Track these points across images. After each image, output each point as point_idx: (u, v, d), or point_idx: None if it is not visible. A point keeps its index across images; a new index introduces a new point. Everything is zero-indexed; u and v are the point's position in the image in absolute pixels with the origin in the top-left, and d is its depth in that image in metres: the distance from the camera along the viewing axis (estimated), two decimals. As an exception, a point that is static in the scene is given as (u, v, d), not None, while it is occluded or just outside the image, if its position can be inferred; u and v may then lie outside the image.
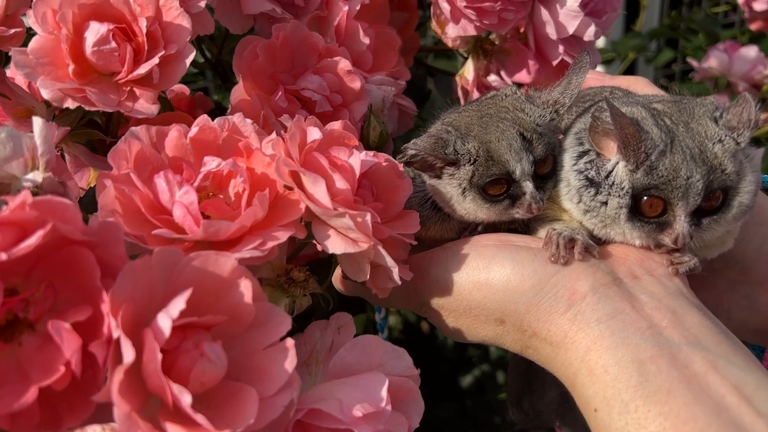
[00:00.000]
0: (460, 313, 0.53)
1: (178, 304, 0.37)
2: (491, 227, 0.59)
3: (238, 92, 0.60)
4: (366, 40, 0.65)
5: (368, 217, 0.45)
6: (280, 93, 0.60)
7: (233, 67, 0.60)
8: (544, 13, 0.67)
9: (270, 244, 0.43)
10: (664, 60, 1.85)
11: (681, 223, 0.50)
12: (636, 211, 0.51)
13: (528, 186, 0.53)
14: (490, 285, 0.51)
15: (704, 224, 0.51)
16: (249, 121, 0.49)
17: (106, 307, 0.37)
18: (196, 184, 0.45)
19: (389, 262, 0.47)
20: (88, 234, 0.38)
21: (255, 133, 0.49)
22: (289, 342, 0.40)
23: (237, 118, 0.49)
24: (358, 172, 0.47)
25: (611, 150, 0.52)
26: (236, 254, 0.42)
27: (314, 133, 0.49)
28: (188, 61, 0.50)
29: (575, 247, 0.51)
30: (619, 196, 0.51)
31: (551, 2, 0.67)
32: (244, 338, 0.41)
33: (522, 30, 0.74)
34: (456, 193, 0.55)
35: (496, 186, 0.54)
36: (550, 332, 0.49)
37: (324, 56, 0.62)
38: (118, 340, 0.36)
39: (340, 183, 0.46)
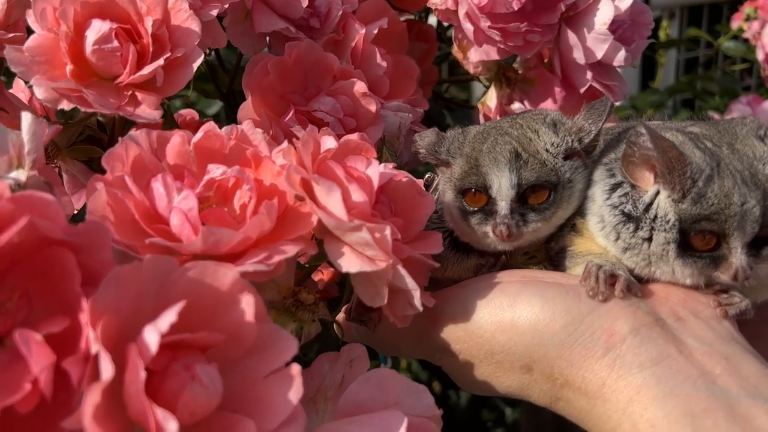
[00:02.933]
0: (480, 359, 0.48)
1: (168, 317, 0.32)
2: (512, 266, 0.54)
3: (246, 110, 0.56)
4: (383, 64, 0.62)
5: (388, 231, 0.41)
6: (290, 113, 0.57)
7: (242, 84, 0.57)
8: (572, 37, 0.63)
9: (276, 258, 0.39)
10: (680, 119, 1.83)
11: (738, 256, 0.45)
12: (685, 246, 0.46)
13: (502, 207, 0.49)
14: (516, 325, 0.46)
15: (763, 255, 0.46)
16: (259, 129, 0.45)
17: (85, 318, 0.32)
18: (197, 191, 0.40)
19: (410, 283, 0.42)
20: (71, 234, 0.34)
21: (265, 143, 0.45)
22: (295, 369, 0.35)
23: (246, 126, 0.45)
24: (376, 184, 0.43)
25: (647, 181, 0.48)
26: (239, 267, 0.37)
27: (329, 142, 0.45)
28: (195, 65, 0.46)
29: (617, 283, 0.46)
30: (665, 230, 0.46)
31: (579, 25, 0.64)
32: (243, 363, 0.36)
33: (546, 60, 0.71)
34: (450, 197, 0.52)
35: (475, 197, 0.50)
36: (586, 380, 0.43)
37: (339, 78, 0.59)
38: (96, 356, 0.31)
39: (357, 195, 0.42)
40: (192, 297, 0.34)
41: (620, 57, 0.64)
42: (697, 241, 0.46)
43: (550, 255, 0.54)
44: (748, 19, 1.54)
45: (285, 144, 0.44)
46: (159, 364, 0.33)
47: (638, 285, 0.47)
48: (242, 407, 0.35)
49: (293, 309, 0.43)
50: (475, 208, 0.50)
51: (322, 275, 0.63)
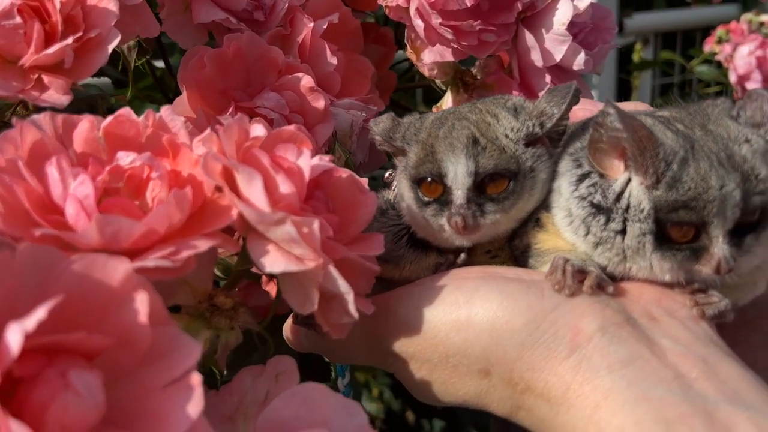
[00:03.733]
0: (434, 363, 0.43)
1: (37, 315, 0.27)
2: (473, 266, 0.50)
3: (181, 106, 0.52)
4: (333, 60, 0.58)
5: (316, 225, 0.36)
6: (230, 110, 0.53)
7: (177, 78, 0.53)
8: (529, 38, 0.60)
9: (185, 254, 0.34)
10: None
11: (720, 246, 0.41)
12: (663, 238, 0.42)
13: (457, 196, 0.45)
14: (472, 324, 0.41)
15: (746, 244, 0.42)
16: (180, 117, 0.41)
17: (-63, 315, 0.27)
18: (100, 179, 0.36)
19: (342, 286, 0.38)
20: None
21: (185, 130, 0.40)
22: (195, 378, 0.30)
23: (164, 112, 0.40)
24: (307, 176, 0.39)
25: (617, 168, 0.44)
26: (137, 262, 0.32)
27: (257, 130, 0.40)
28: (111, 47, 0.42)
29: (587, 279, 0.42)
30: (640, 220, 0.42)
31: (537, 26, 0.61)
32: (136, 371, 0.31)
33: (506, 64, 0.68)
34: (405, 187, 0.48)
35: (430, 187, 0.46)
36: (549, 384, 0.39)
37: (284, 73, 0.55)
38: (-55, 360, 0.26)
39: (285, 186, 0.37)
40: (75, 293, 0.29)
41: (580, 60, 0.61)
42: (675, 231, 0.42)
43: (514, 254, 0.49)
44: (720, 41, 1.54)
45: (207, 131, 0.40)
46: (28, 370, 0.28)
47: (611, 282, 0.43)
48: (133, 422, 0.30)
49: (208, 314, 0.38)
50: (431, 199, 0.46)
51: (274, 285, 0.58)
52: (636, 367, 0.37)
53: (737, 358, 0.40)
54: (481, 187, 0.45)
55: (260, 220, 0.36)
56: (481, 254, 0.49)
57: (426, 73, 0.64)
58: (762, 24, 1.62)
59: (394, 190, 0.54)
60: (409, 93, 0.93)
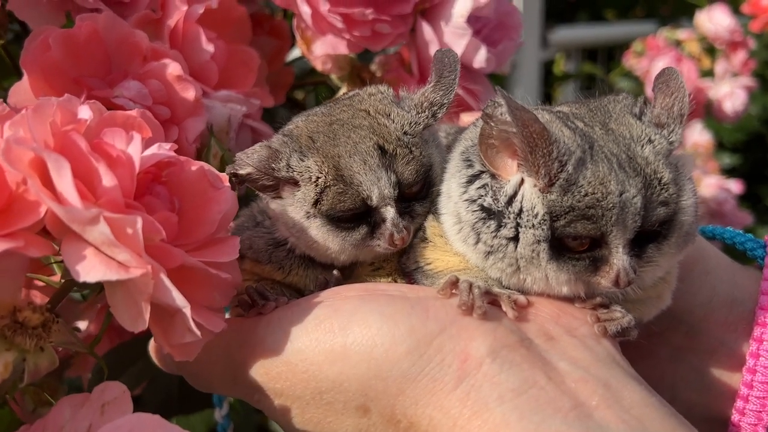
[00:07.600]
0: (307, 401, 0.38)
1: None
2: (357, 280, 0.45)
3: (20, 92, 0.45)
4: (210, 48, 0.53)
5: (139, 224, 0.30)
6: (82, 99, 0.46)
7: (20, 62, 0.46)
8: (427, 31, 0.56)
9: (-36, 258, 0.27)
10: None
11: (620, 256, 0.38)
12: (559, 246, 0.38)
13: (389, 212, 0.41)
14: (348, 354, 0.36)
15: (648, 255, 0.39)
16: (-8, 98, 0.34)
17: None
18: None
19: (178, 299, 0.32)
20: None
21: (-5, 114, 0.34)
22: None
23: (-31, 91, 0.34)
24: (137, 167, 0.33)
25: (510, 168, 0.40)
26: None
27: (84, 113, 0.34)
28: None
29: (502, 302, 0.38)
30: (533, 226, 0.38)
31: (436, 19, 0.57)
32: None
33: (407, 62, 0.64)
34: (299, 217, 0.42)
35: (356, 213, 0.42)
36: (434, 421, 0.34)
37: (150, 60, 0.49)
38: None
39: (107, 178, 0.31)
40: None
41: (481, 57, 0.58)
42: (570, 240, 0.38)
43: (405, 272, 0.45)
44: (637, 54, 1.56)
45: (23, 112, 0.33)
46: None
47: (524, 298, 0.39)
48: None
49: (9, 333, 0.31)
50: (355, 222, 0.42)
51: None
52: (530, 397, 0.33)
53: (641, 380, 0.37)
54: (401, 194, 0.42)
55: (72, 218, 0.30)
56: (364, 266, 0.45)
57: (319, 67, 0.60)
58: (678, 40, 1.65)
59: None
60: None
